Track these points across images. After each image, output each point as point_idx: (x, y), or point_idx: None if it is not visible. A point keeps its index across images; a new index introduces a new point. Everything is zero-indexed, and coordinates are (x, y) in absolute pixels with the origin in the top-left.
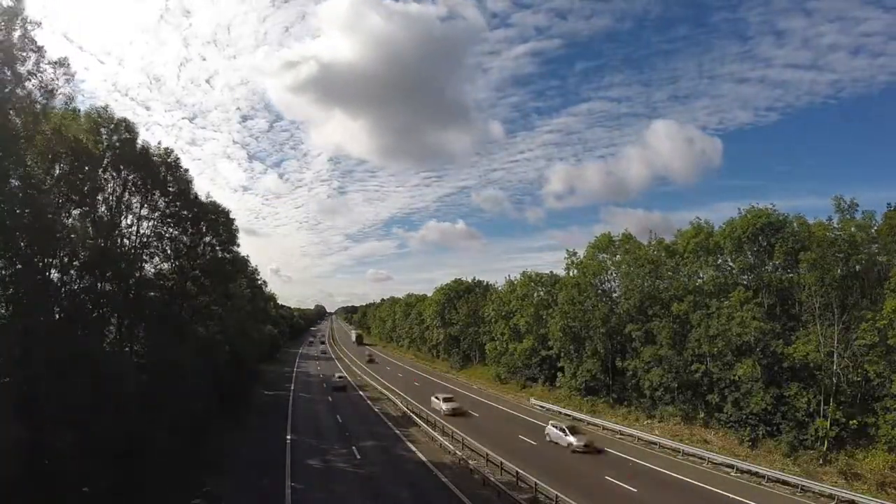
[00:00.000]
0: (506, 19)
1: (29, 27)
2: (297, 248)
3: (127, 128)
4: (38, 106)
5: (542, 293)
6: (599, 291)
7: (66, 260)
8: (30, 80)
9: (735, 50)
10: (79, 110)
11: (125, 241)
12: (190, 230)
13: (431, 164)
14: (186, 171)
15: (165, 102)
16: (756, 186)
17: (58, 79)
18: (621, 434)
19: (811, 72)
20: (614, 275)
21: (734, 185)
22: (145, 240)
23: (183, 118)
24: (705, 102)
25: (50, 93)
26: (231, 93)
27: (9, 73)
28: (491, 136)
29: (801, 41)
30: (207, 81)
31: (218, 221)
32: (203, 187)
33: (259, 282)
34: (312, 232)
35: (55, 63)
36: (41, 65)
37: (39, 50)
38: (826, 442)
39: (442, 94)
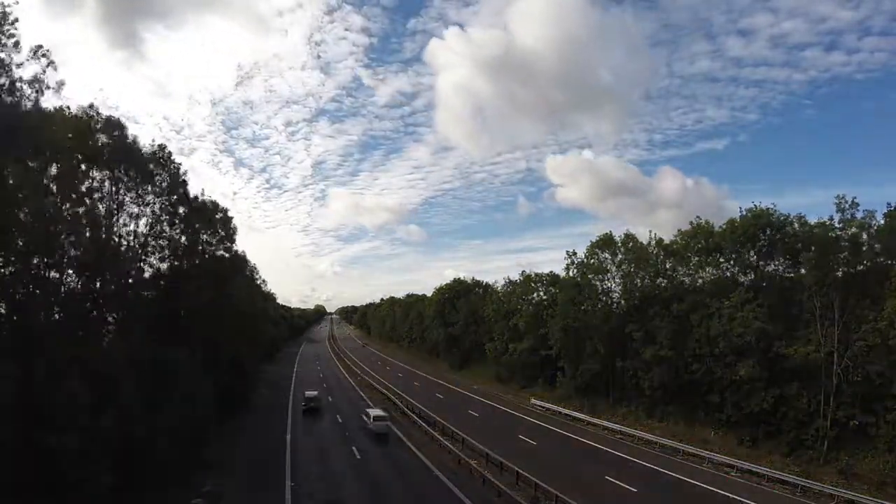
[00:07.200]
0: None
1: (8, 10)
2: (289, 249)
3: (117, 125)
4: (29, 101)
5: (541, 293)
6: (599, 291)
7: (63, 260)
8: (15, 72)
9: (703, 48)
10: (68, 108)
11: (123, 240)
12: (187, 229)
13: None
14: (180, 166)
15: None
16: (736, 186)
17: (45, 72)
18: (621, 434)
19: (785, 69)
20: (615, 274)
21: (720, 185)
22: (143, 239)
23: (171, 130)
24: (679, 102)
25: (39, 88)
26: (214, 108)
27: None
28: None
29: (768, 39)
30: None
31: (215, 219)
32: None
33: (258, 281)
34: (303, 234)
35: (38, 53)
36: (23, 57)
37: (17, 43)
38: (826, 442)
39: None
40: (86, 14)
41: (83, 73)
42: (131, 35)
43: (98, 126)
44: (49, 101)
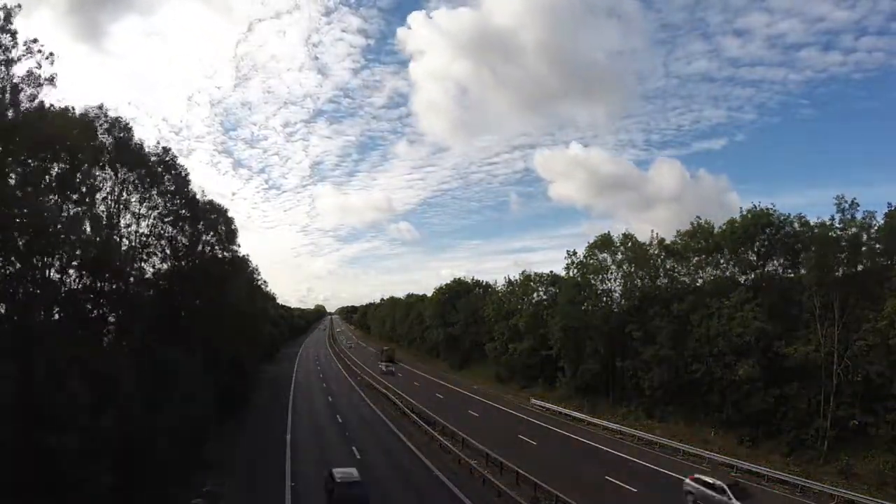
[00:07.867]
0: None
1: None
2: (288, 249)
3: (122, 126)
4: (28, 99)
5: (541, 293)
6: (599, 291)
7: (64, 259)
8: (14, 67)
9: (700, 48)
10: (73, 108)
11: (124, 240)
12: (188, 229)
13: None
14: (184, 168)
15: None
16: (734, 186)
17: (40, 67)
18: (621, 434)
19: (782, 69)
20: (615, 274)
21: (717, 184)
22: (144, 239)
23: (170, 132)
24: (676, 102)
25: (36, 83)
26: (212, 109)
27: None
28: None
29: (765, 39)
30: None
31: (217, 220)
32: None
33: (259, 281)
34: (302, 233)
35: (34, 46)
36: (24, 51)
37: (14, 35)
38: (826, 442)
39: None
40: (57, 8)
41: (80, 74)
42: (123, 36)
43: (105, 126)
44: (49, 99)
